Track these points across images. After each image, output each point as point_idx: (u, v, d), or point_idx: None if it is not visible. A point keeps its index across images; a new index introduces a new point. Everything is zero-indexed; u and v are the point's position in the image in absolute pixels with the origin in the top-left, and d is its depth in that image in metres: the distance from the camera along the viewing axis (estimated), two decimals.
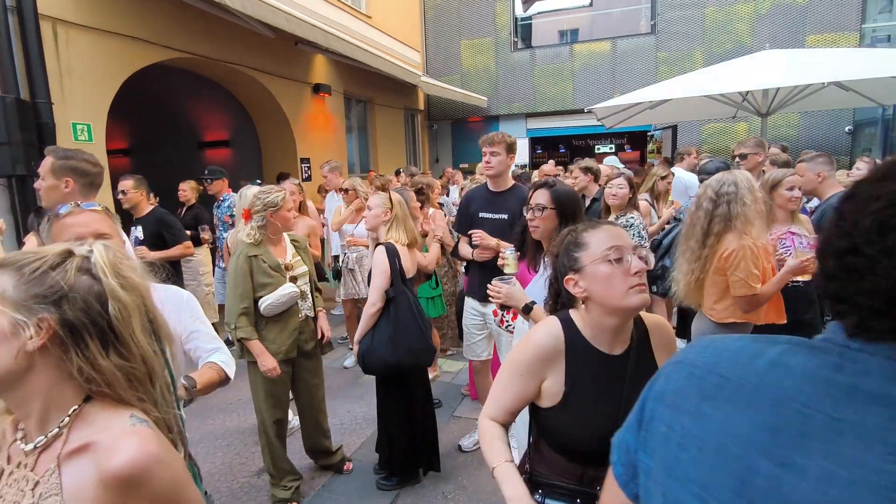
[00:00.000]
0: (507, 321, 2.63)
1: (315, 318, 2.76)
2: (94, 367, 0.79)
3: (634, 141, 12.54)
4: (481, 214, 2.93)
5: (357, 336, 2.69)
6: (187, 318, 1.60)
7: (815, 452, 0.51)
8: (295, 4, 6.27)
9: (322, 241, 4.98)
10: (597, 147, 12.79)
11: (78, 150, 2.02)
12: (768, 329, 2.38)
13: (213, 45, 5.93)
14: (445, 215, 4.57)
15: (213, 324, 5.12)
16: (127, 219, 3.32)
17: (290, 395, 2.82)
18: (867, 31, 9.48)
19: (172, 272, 1.52)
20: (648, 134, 11.66)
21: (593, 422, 1.22)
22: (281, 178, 6.18)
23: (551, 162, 6.77)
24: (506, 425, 1.34)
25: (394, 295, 2.61)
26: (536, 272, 2.07)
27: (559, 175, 5.70)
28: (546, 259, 1.90)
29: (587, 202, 4.30)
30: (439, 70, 12.12)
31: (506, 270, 2.19)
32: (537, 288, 1.91)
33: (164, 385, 0.89)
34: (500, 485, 1.18)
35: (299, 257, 2.72)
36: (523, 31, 12.18)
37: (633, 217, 3.43)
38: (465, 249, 2.99)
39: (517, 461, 1.35)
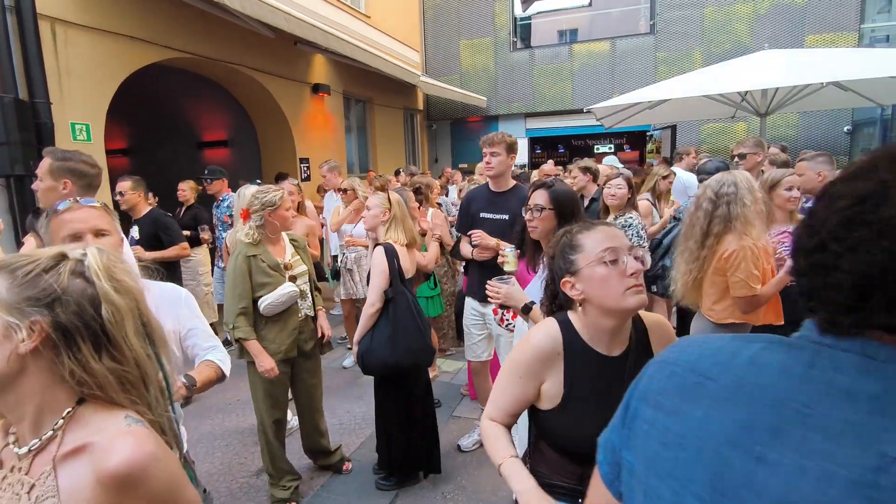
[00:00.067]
0: (508, 320, 2.63)
1: (315, 318, 2.76)
2: (85, 370, 0.79)
3: (633, 141, 12.55)
4: (482, 215, 2.93)
5: (356, 337, 2.69)
6: (186, 314, 1.62)
7: (787, 447, 0.52)
8: (294, 4, 6.27)
9: (321, 240, 4.98)
10: (596, 147, 12.80)
11: (76, 151, 2.02)
12: (766, 330, 2.38)
13: (212, 44, 5.93)
14: (447, 216, 4.57)
15: (212, 323, 5.13)
16: (125, 220, 3.31)
17: (290, 395, 2.82)
18: (866, 31, 9.49)
19: (166, 274, 1.56)
20: (647, 134, 11.67)
21: (592, 423, 1.21)
22: (279, 178, 6.17)
23: (550, 162, 6.77)
24: (507, 427, 1.34)
25: (393, 295, 2.61)
26: (535, 272, 2.07)
27: (559, 175, 5.70)
28: (544, 259, 1.90)
29: (586, 202, 4.30)
30: (438, 70, 12.11)
31: (505, 268, 2.19)
32: (536, 288, 1.91)
33: (157, 388, 0.89)
34: (508, 481, 1.18)
35: (298, 257, 2.72)
36: (522, 31, 12.18)
37: (631, 217, 3.43)
38: (465, 249, 2.99)
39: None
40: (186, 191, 5.10)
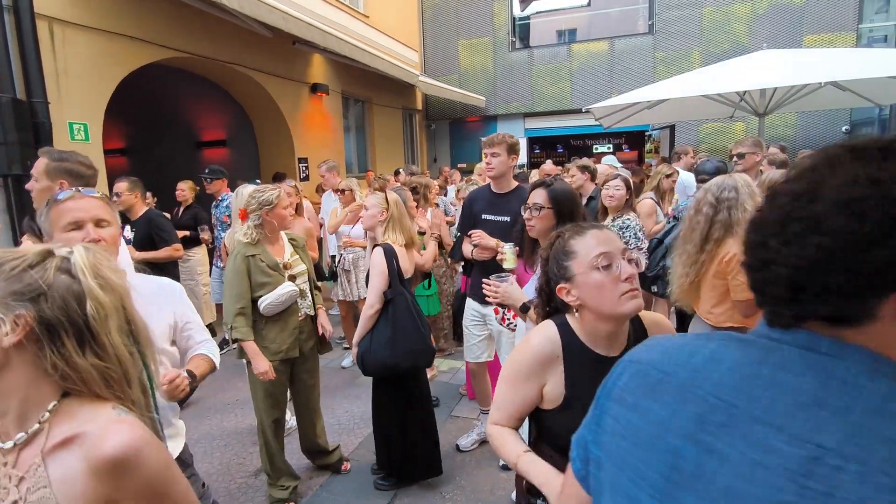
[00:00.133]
0: (509, 319, 2.63)
1: (315, 317, 2.76)
2: (69, 364, 0.79)
3: (632, 140, 12.55)
4: (484, 216, 2.92)
5: (356, 338, 2.69)
6: (183, 308, 1.66)
7: (735, 439, 0.55)
8: (292, 4, 6.26)
9: (319, 241, 4.98)
10: (595, 147, 12.80)
11: (72, 151, 2.01)
12: None
13: (210, 44, 5.92)
14: (445, 215, 4.57)
15: (210, 323, 5.13)
16: (122, 221, 3.30)
17: (289, 395, 2.82)
18: (864, 32, 9.51)
19: (156, 275, 1.62)
20: (646, 133, 11.67)
21: None
22: (277, 177, 6.16)
23: (549, 161, 6.77)
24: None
25: (392, 296, 2.61)
26: (534, 271, 2.07)
27: (559, 174, 5.70)
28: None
29: (584, 201, 4.30)
30: (437, 70, 12.11)
31: (504, 266, 2.19)
32: (534, 287, 1.91)
33: (140, 387, 0.89)
34: (528, 476, 1.19)
35: (297, 256, 2.71)
36: (521, 31, 12.17)
37: (629, 219, 3.43)
38: (467, 249, 2.99)
39: None
40: (185, 191, 5.09)
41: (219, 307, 4.92)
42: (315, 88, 7.89)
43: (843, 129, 9.67)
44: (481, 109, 11.85)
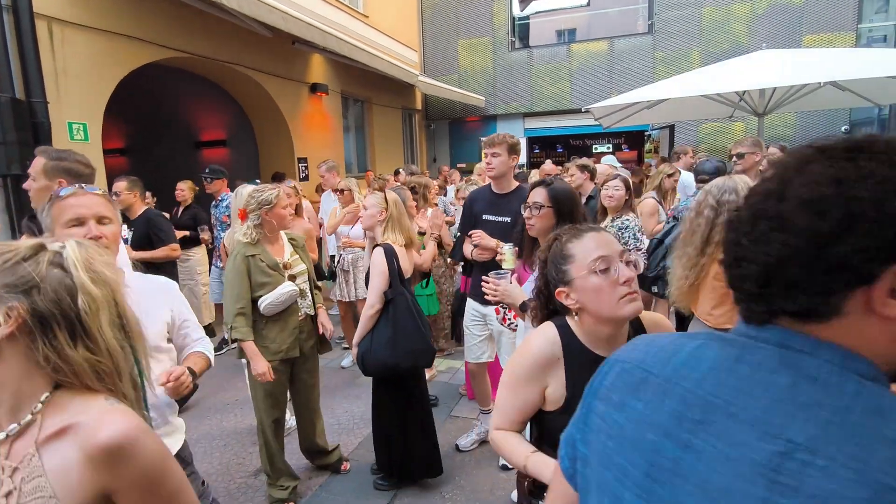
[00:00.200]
0: (510, 318, 2.62)
1: (315, 317, 2.75)
2: (60, 356, 0.80)
3: (632, 140, 12.56)
4: (484, 216, 2.92)
5: (356, 338, 2.68)
6: (180, 306, 1.67)
7: (711, 435, 0.56)
8: (292, 3, 6.26)
9: (318, 241, 4.97)
10: (594, 147, 12.81)
11: (70, 150, 2.01)
12: None
13: (209, 44, 5.91)
14: (446, 214, 4.57)
15: (209, 323, 5.13)
16: (122, 220, 3.29)
17: (289, 395, 2.82)
18: (863, 31, 9.51)
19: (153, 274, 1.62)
20: (646, 133, 11.67)
21: None
22: (276, 177, 6.16)
23: (549, 161, 6.77)
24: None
25: (392, 296, 2.60)
26: (533, 271, 2.07)
27: (560, 174, 5.69)
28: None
29: (583, 200, 4.30)
30: (437, 70, 12.10)
31: (503, 266, 2.19)
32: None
33: (131, 381, 0.90)
34: (540, 476, 1.20)
35: (297, 256, 2.71)
36: (521, 31, 12.17)
37: (628, 219, 3.42)
38: (467, 249, 2.98)
39: None
40: (185, 190, 5.09)
41: (218, 307, 4.91)
42: (315, 88, 7.89)
43: (843, 128, 9.68)
44: (481, 109, 11.84)
